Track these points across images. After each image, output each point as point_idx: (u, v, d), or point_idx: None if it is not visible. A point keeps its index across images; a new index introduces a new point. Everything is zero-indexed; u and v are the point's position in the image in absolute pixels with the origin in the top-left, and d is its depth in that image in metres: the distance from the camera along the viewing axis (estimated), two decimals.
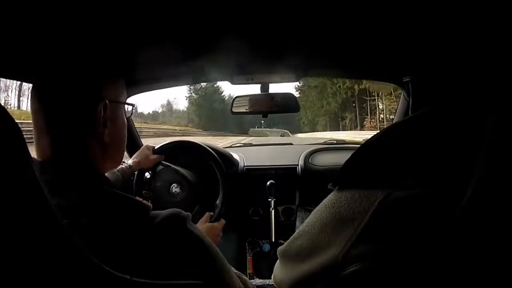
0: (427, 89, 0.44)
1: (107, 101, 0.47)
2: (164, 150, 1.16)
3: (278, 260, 0.48)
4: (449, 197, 0.30)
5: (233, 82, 0.98)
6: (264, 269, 1.26)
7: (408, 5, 0.51)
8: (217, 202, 1.06)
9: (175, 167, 1.08)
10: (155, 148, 1.14)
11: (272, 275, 0.51)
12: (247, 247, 1.29)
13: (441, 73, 0.41)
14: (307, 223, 0.41)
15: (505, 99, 0.29)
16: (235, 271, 0.56)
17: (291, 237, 0.43)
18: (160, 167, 1.09)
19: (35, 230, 0.27)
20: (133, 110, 0.57)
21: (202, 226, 0.94)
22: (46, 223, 0.28)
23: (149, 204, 0.42)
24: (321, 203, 0.40)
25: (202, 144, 1.14)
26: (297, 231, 0.43)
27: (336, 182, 0.39)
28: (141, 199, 0.42)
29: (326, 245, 0.36)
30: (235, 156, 1.35)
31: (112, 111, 0.49)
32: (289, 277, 0.42)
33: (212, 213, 1.02)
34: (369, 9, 0.52)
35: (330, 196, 0.39)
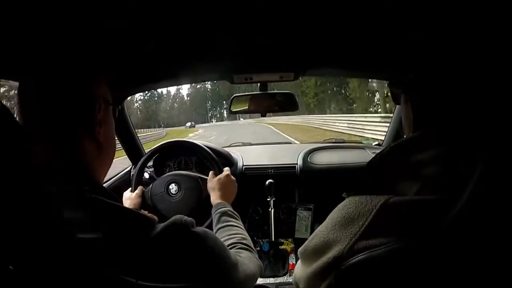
0: (429, 88, 0.44)
1: (101, 101, 0.47)
2: (162, 149, 1.16)
3: (299, 260, 0.54)
4: (441, 205, 0.35)
5: (232, 82, 0.98)
6: (264, 269, 1.26)
7: (407, 4, 0.52)
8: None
9: (166, 175, 1.09)
10: (153, 147, 1.14)
11: (293, 273, 0.57)
12: None
13: (443, 73, 0.42)
14: (321, 225, 0.47)
15: (497, 139, 0.34)
16: (246, 253, 0.61)
17: (309, 238, 0.49)
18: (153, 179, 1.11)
19: (37, 235, 0.27)
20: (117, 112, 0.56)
21: (215, 181, 0.95)
22: (46, 226, 0.28)
23: (155, 217, 0.42)
24: (336, 207, 0.46)
25: (200, 144, 1.13)
26: (314, 232, 0.49)
27: (349, 191, 0.43)
28: (146, 212, 0.42)
29: (336, 241, 0.41)
30: (234, 155, 1.35)
31: (105, 111, 0.49)
32: (307, 272, 0.47)
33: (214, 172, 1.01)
34: (369, 7, 0.53)
35: (343, 202, 0.45)
